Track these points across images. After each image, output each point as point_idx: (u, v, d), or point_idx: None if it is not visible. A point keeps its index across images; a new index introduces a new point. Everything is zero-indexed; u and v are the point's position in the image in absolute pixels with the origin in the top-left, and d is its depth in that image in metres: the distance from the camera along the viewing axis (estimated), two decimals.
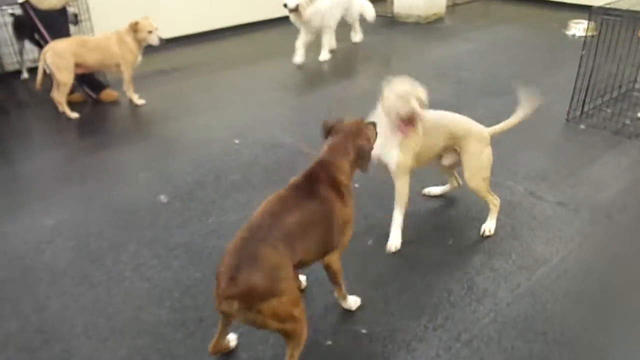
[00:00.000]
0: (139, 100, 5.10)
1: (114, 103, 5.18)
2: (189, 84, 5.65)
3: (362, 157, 2.24)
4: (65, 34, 4.85)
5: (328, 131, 2.30)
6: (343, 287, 2.42)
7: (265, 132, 4.38)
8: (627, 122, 4.32)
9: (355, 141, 2.24)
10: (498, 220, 3.08)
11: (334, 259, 2.26)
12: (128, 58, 4.89)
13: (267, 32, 7.58)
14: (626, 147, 4.02)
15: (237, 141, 4.22)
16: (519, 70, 5.77)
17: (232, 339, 2.30)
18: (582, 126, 4.33)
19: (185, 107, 5.01)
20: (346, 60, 6.45)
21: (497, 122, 3.14)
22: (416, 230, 3.07)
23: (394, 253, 2.87)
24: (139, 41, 4.88)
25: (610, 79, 4.42)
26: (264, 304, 1.83)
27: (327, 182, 2.17)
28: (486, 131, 3.01)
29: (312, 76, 5.95)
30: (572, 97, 4.40)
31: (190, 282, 2.73)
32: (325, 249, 2.20)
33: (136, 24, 4.81)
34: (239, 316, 1.89)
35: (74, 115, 4.79)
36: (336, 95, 5.20)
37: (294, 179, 2.23)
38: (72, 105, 4.91)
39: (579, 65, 4.28)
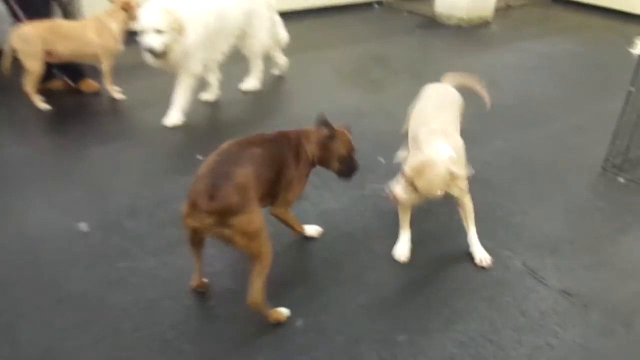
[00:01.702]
0: (118, 95, 4.62)
1: (95, 94, 4.73)
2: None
3: (341, 162, 2.59)
4: (45, 15, 4.39)
5: (321, 123, 2.56)
6: (296, 227, 2.74)
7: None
8: None
9: (334, 146, 2.57)
10: (474, 308, 2.37)
11: (279, 211, 2.57)
12: (109, 46, 4.40)
13: (299, 23, 6.95)
14: None
15: (199, 157, 3.64)
16: (561, 94, 4.87)
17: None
18: (622, 179, 3.45)
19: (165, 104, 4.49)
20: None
21: (514, 160, 2.97)
22: None
23: None
24: (125, 25, 4.38)
25: None
26: (235, 218, 2.04)
27: (291, 142, 2.49)
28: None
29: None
30: (613, 140, 3.52)
31: (68, 349, 2.19)
32: (270, 195, 2.44)
33: (127, 2, 4.31)
34: (211, 231, 2.10)
35: (44, 106, 4.36)
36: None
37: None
38: (51, 94, 4.51)
39: (626, 101, 3.39)
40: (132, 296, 2.47)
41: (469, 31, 6.88)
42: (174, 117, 4.13)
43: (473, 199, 2.72)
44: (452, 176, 2.41)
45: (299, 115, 4.25)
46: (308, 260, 2.75)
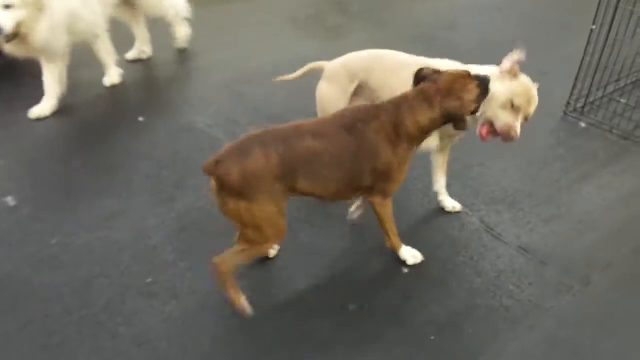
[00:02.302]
0: None
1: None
2: None
3: (454, 119, 2.00)
4: None
5: (420, 79, 2.06)
6: (392, 236, 2.26)
7: (176, 109, 3.51)
8: None
9: (445, 100, 1.97)
10: (428, 272, 2.27)
11: (377, 201, 2.14)
12: None
13: None
14: (635, 161, 3.05)
15: (141, 119, 3.38)
16: (524, 35, 4.63)
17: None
18: (583, 124, 3.34)
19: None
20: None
21: None
22: None
23: None
24: None
25: (631, 59, 3.35)
26: (231, 199, 1.87)
27: (384, 124, 1.98)
28: None
29: None
30: (575, 84, 3.38)
31: None
32: (353, 189, 2.06)
33: None
34: (212, 192, 1.94)
35: None
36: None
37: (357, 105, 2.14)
38: None
39: (587, 42, 3.23)
40: (63, 276, 2.28)
41: None
42: (45, 108, 3.39)
43: (428, 154, 2.58)
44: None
45: (249, 68, 3.98)
46: None
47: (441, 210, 2.62)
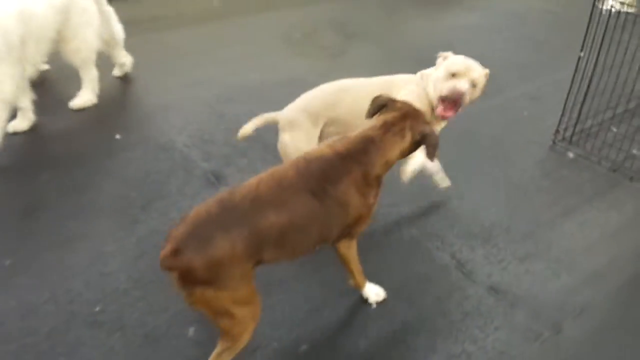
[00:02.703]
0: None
1: None
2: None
3: (429, 144, 1.86)
4: None
5: (380, 107, 1.93)
6: (357, 275, 2.13)
7: (157, 127, 3.45)
8: (635, 151, 3.15)
9: (416, 123, 1.86)
10: (390, 309, 2.15)
11: (342, 245, 2.01)
12: None
13: None
14: (623, 195, 2.91)
15: (118, 137, 3.32)
16: (520, 59, 4.56)
17: None
18: (571, 154, 3.21)
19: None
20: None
21: (456, 136, 2.85)
22: None
23: None
24: None
25: (621, 87, 3.21)
26: (198, 289, 1.67)
27: (355, 178, 1.80)
28: None
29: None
30: (563, 112, 3.25)
31: None
32: (320, 243, 1.89)
33: None
34: (175, 286, 1.70)
35: None
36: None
37: (321, 146, 1.87)
38: None
39: (575, 69, 3.11)
40: (12, 300, 2.21)
41: None
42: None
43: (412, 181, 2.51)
44: (485, 80, 2.42)
45: (232, 86, 3.92)
46: None
47: (411, 244, 2.50)
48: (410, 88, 2.42)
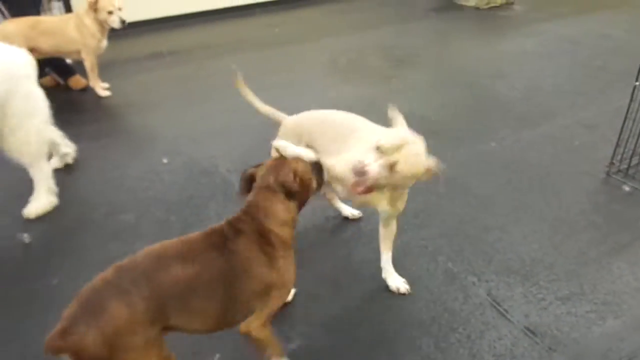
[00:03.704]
0: (103, 91, 4.53)
1: (83, 91, 4.65)
2: (179, 72, 4.95)
3: (301, 191, 1.79)
4: (30, 12, 4.33)
5: (248, 181, 1.85)
6: (276, 353, 1.91)
7: (202, 151, 3.56)
8: None
9: (279, 174, 1.77)
10: (417, 346, 2.08)
11: (253, 326, 1.77)
12: (89, 43, 4.31)
13: (312, 9, 6.65)
14: None
15: (165, 160, 3.46)
16: (574, 85, 4.37)
17: None
18: (627, 188, 3.01)
19: (155, 102, 4.34)
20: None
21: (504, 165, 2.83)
22: None
23: None
24: (100, 23, 4.26)
25: None
26: None
27: (251, 234, 1.73)
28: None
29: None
30: (618, 142, 3.07)
31: None
32: (229, 319, 1.74)
33: (95, 2, 4.18)
34: None
35: None
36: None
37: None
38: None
39: (631, 99, 2.94)
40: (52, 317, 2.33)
41: (489, 14, 6.36)
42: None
43: (447, 208, 2.48)
44: (428, 167, 1.93)
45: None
46: None
47: (445, 278, 2.43)
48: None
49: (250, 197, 1.80)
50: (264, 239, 1.73)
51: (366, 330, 2.19)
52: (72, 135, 3.82)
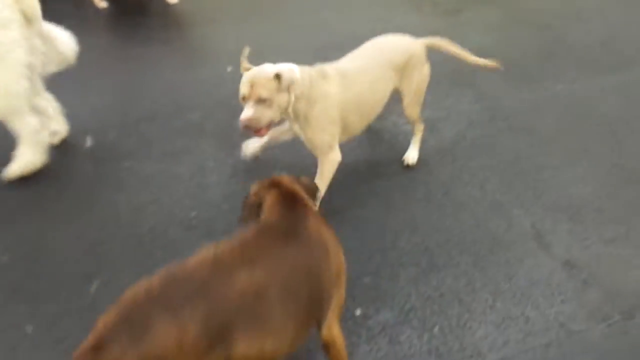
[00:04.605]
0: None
1: None
2: None
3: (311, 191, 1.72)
4: None
5: (254, 207, 1.63)
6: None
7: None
8: None
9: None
10: (456, 263, 2.19)
11: (335, 332, 1.53)
12: None
13: None
14: None
15: (229, 69, 3.56)
16: None
17: None
18: None
19: (222, 14, 4.39)
20: None
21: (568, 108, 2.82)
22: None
23: None
24: None
25: None
26: None
27: (311, 213, 1.55)
28: (423, 46, 2.54)
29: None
30: None
31: (55, 238, 2.35)
32: (310, 326, 1.48)
33: None
34: None
35: (102, 4, 4.49)
36: None
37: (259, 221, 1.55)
38: None
39: None
40: (124, 196, 2.57)
41: None
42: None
43: (503, 143, 2.70)
44: (280, 80, 2.05)
45: (342, 34, 3.96)
46: None
47: (491, 206, 2.49)
48: None
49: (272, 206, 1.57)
50: (324, 219, 1.60)
51: (406, 239, 2.31)
52: (142, 38, 4.01)
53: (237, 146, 2.83)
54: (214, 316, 1.26)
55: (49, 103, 2.79)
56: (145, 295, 1.27)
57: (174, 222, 2.43)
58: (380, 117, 2.99)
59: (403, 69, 2.43)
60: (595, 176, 2.69)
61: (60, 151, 2.82)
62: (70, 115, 2.93)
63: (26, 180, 2.63)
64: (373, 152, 2.84)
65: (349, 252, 2.21)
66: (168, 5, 4.59)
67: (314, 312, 1.46)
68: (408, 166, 2.71)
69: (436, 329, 1.97)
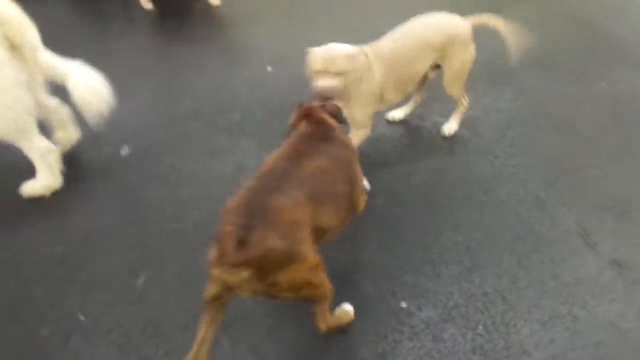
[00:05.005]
0: (215, 1, 4.69)
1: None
2: None
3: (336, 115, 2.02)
4: None
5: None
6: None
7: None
8: None
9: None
10: (499, 261, 2.17)
11: (363, 202, 2.00)
12: None
13: None
14: None
15: (269, 69, 3.61)
16: None
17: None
18: None
19: (263, 16, 4.46)
20: None
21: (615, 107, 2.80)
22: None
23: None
24: None
25: None
26: (281, 273, 1.46)
27: (337, 128, 1.92)
28: (469, 26, 2.60)
29: None
30: None
31: (104, 230, 2.43)
32: (353, 204, 1.90)
33: None
34: (246, 288, 1.50)
35: (148, 6, 4.61)
36: None
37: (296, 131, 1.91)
38: None
39: None
40: (168, 191, 2.63)
41: None
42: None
43: (546, 140, 2.70)
44: (352, 57, 2.26)
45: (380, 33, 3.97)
46: None
47: (535, 204, 2.45)
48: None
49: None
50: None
51: (447, 237, 2.30)
52: (186, 39, 4.09)
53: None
54: (304, 189, 1.58)
55: (57, 111, 2.70)
56: (249, 192, 1.53)
57: (216, 218, 2.47)
58: (421, 117, 3.02)
59: (443, 48, 2.51)
60: None
61: (106, 150, 2.91)
62: (114, 117, 3.02)
63: (77, 176, 2.72)
64: (412, 152, 2.83)
65: (389, 249, 2.25)
66: (211, 7, 4.68)
67: (353, 192, 1.85)
68: (445, 137, 2.85)
69: (480, 327, 1.96)
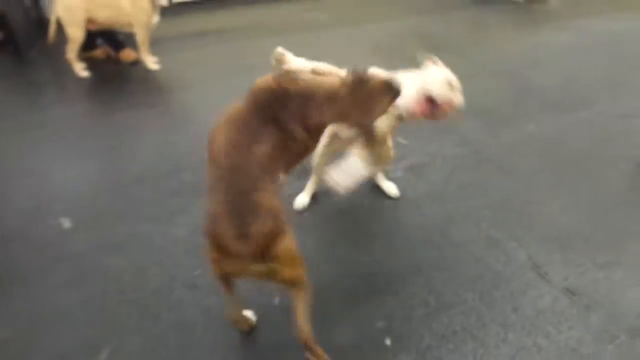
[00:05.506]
0: (153, 65, 4.74)
1: (133, 64, 4.86)
2: (222, 49, 5.15)
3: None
4: None
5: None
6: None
7: None
8: None
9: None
10: (462, 300, 2.24)
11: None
12: (140, 18, 4.50)
13: None
14: None
15: None
16: (611, 78, 4.46)
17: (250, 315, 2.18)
18: None
19: (199, 77, 4.53)
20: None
21: (542, 147, 3.00)
22: None
23: None
24: (152, 0, 4.46)
25: None
26: (278, 247, 1.65)
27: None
28: None
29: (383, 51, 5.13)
30: None
31: (59, 307, 2.28)
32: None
33: None
34: (252, 271, 1.71)
35: (83, 73, 4.57)
36: None
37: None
38: (93, 61, 4.73)
39: None
40: (125, 261, 2.54)
41: (526, 7, 6.45)
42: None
43: (491, 183, 2.87)
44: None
45: None
46: None
47: (488, 242, 2.58)
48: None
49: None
50: None
51: (413, 281, 2.36)
52: (125, 104, 4.08)
53: None
54: (267, 172, 1.72)
55: None
56: (225, 197, 1.67)
57: (177, 282, 2.40)
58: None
59: None
60: (578, 207, 2.84)
61: (50, 222, 2.78)
62: (53, 188, 2.92)
63: (24, 252, 2.57)
64: (369, 198, 2.92)
65: (359, 298, 2.26)
66: (149, 71, 4.71)
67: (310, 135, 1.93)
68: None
69: None
